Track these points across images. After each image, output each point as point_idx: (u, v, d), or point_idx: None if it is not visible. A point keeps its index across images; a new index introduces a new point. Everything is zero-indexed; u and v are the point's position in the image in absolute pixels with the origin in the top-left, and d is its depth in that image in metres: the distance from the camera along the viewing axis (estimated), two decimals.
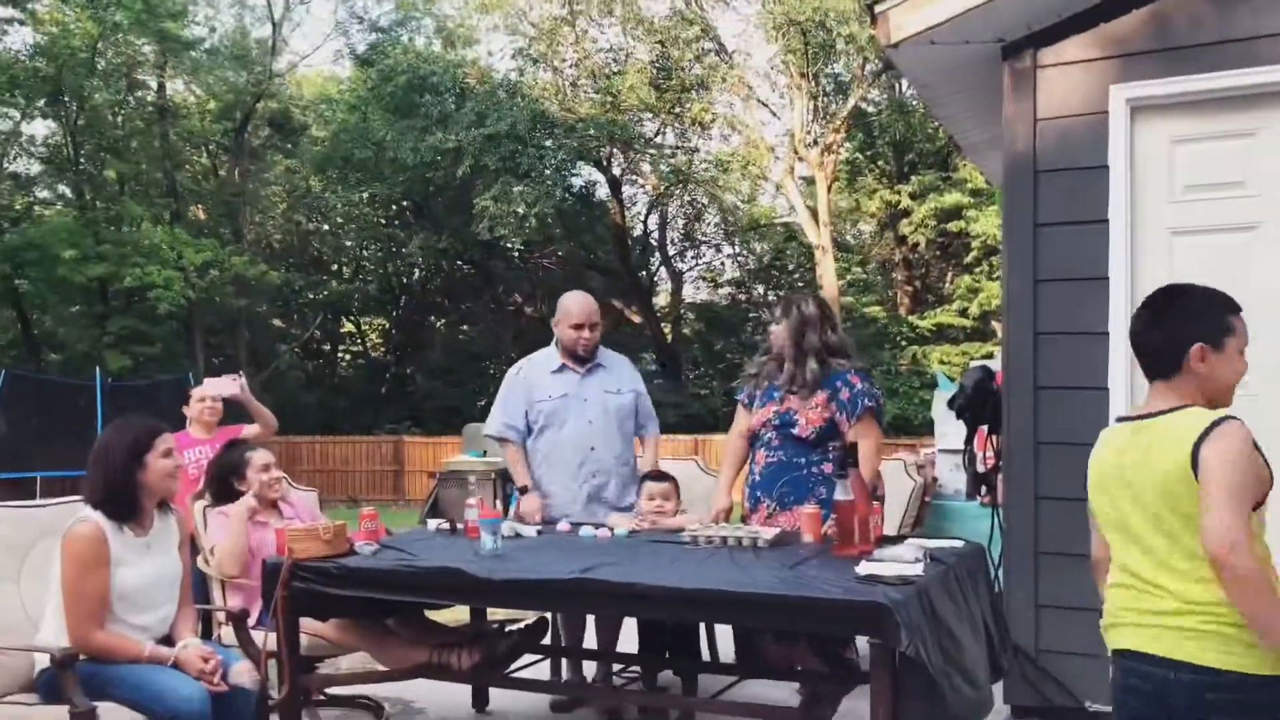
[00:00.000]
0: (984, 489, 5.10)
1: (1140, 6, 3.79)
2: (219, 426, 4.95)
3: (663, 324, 25.34)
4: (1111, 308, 3.81)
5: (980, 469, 5.13)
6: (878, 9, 3.91)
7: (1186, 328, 2.12)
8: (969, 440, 5.18)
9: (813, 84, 20.95)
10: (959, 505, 5.26)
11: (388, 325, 26.68)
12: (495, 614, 4.61)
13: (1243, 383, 3.64)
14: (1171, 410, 2.09)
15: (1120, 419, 2.27)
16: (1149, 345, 2.16)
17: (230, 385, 4.89)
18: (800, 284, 24.61)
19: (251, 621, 3.57)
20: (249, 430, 4.93)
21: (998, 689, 3.64)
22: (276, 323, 25.21)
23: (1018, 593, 3.93)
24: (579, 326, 4.20)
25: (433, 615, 4.08)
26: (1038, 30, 3.90)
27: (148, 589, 2.96)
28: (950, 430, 5.41)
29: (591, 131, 20.05)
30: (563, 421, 4.18)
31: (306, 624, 3.50)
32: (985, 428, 4.99)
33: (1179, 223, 3.81)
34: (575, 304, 4.27)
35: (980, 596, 3.18)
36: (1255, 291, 3.68)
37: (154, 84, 20.47)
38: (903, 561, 2.83)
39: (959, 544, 3.32)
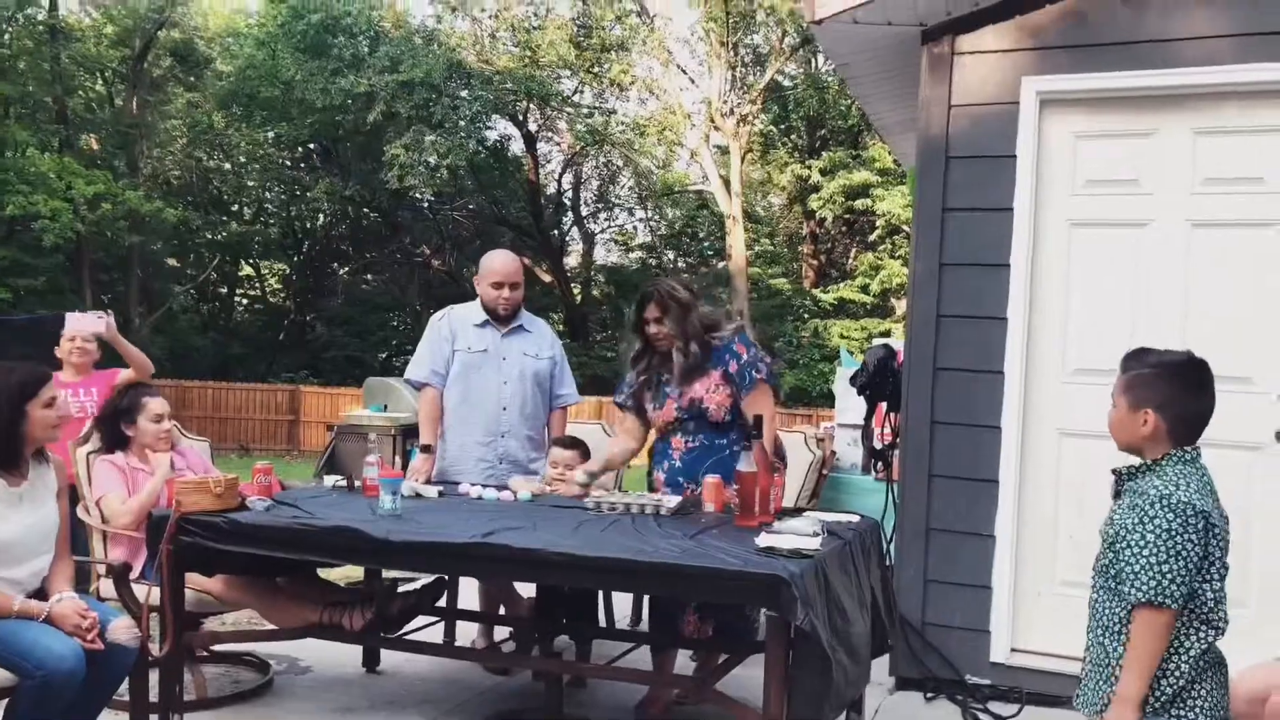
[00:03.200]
0: (879, 464, 5.22)
1: (1055, 2, 3.87)
2: (96, 370, 4.62)
3: (572, 284, 25.23)
4: (1011, 294, 3.91)
5: (877, 445, 5.26)
6: None
7: None
8: (868, 417, 5.30)
9: (732, 54, 20.99)
10: (855, 479, 5.39)
11: (288, 270, 25.92)
12: (390, 572, 4.54)
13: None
14: None
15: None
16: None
17: (95, 323, 4.49)
18: (710, 252, 24.76)
19: (133, 575, 3.45)
20: (125, 375, 4.58)
21: (883, 661, 3.75)
22: (171, 262, 24.26)
23: (908, 567, 4.04)
24: (499, 285, 4.14)
25: (324, 572, 4.00)
26: (957, 16, 3.95)
27: (20, 542, 2.81)
28: (850, 406, 5.52)
29: (509, 85, 19.74)
30: (479, 378, 4.13)
31: (192, 579, 3.39)
32: (884, 405, 5.11)
33: (1078, 215, 3.93)
34: (498, 262, 4.22)
35: (871, 571, 3.26)
36: (1143, 286, 3.85)
37: (45, 1, 19.32)
38: (802, 535, 2.87)
39: (855, 518, 3.39)
